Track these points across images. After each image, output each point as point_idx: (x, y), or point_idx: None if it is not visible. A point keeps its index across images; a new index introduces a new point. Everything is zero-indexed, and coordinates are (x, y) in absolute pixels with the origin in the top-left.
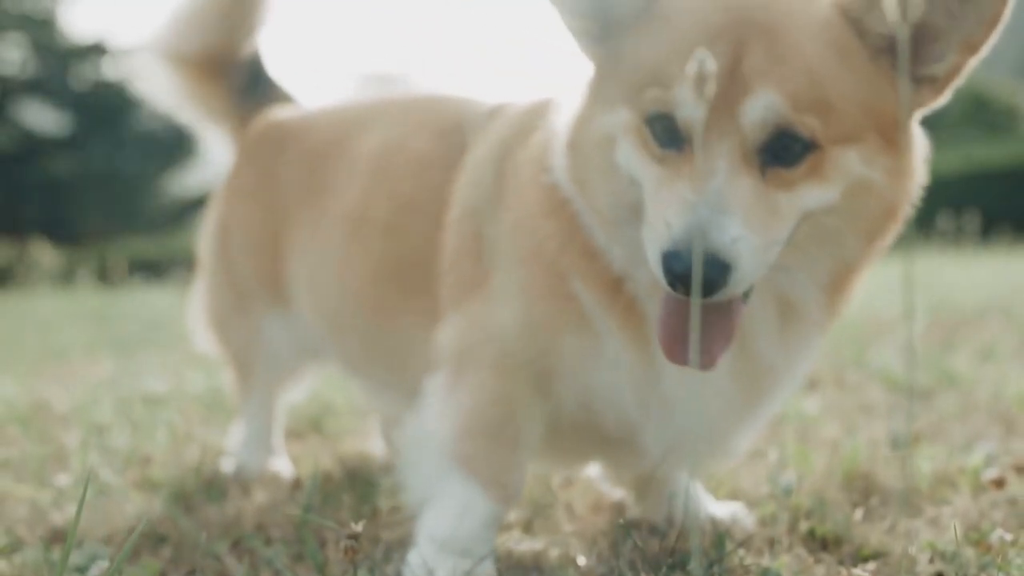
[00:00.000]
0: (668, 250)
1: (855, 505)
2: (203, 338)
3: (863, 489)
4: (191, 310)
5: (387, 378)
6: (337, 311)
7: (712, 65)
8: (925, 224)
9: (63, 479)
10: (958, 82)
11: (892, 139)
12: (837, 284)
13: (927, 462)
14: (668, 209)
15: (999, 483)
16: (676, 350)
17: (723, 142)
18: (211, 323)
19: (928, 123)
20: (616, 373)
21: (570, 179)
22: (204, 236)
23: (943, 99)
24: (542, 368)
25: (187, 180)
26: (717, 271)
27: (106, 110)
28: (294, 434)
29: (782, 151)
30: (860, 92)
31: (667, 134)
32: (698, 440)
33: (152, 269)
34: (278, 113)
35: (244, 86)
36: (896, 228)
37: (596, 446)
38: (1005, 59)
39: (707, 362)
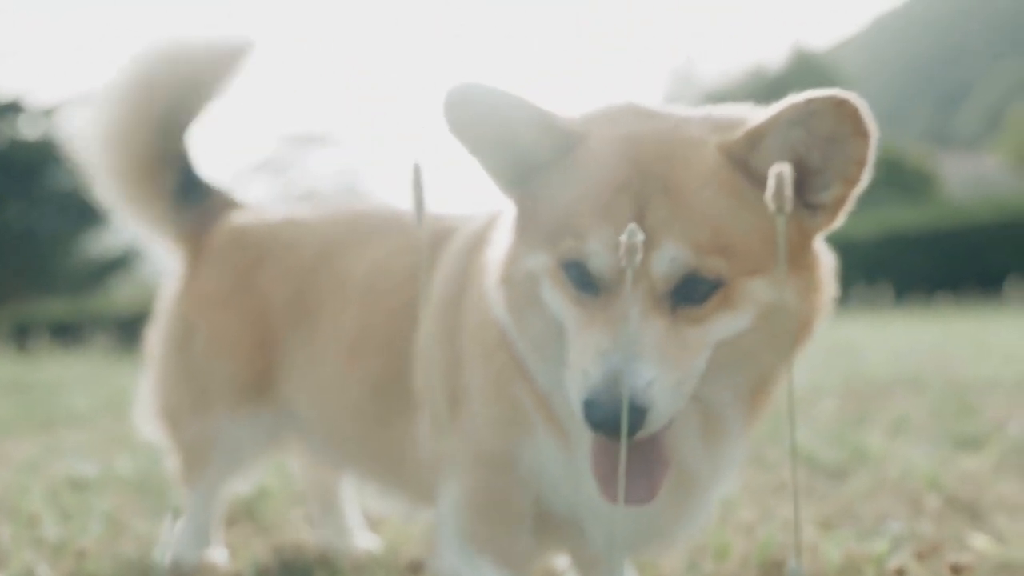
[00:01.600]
0: (587, 399)
1: None
2: (150, 428)
3: (777, 573)
4: (139, 399)
5: (392, 480)
6: (340, 423)
7: (640, 236)
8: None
9: None
10: (848, 207)
11: (797, 260)
12: (755, 394)
13: (836, 548)
14: (586, 357)
15: (900, 572)
16: (610, 489)
17: (634, 289)
18: (163, 416)
19: None
20: (556, 473)
21: (505, 311)
22: (158, 333)
23: (837, 222)
24: (508, 462)
25: (105, 241)
26: (634, 416)
27: (22, 169)
28: (227, 520)
29: (690, 292)
30: (758, 226)
31: (582, 279)
32: (634, 537)
33: (71, 333)
34: (242, 218)
35: (178, 189)
36: (810, 338)
37: (557, 533)
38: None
39: (646, 496)
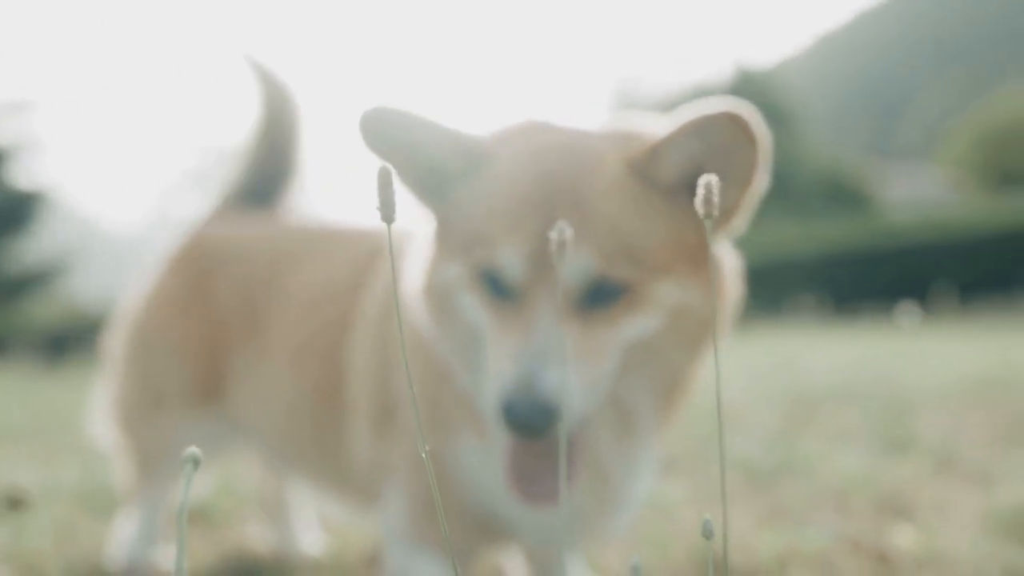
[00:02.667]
0: (501, 401)
1: None
2: (103, 432)
3: (713, 569)
4: (93, 405)
5: (332, 484)
6: (283, 429)
7: (569, 231)
8: (779, 305)
9: None
10: (748, 212)
11: (702, 263)
12: (668, 392)
13: (769, 543)
14: (501, 360)
15: (828, 564)
16: (522, 488)
17: (545, 295)
18: (117, 420)
19: (783, 205)
20: (482, 472)
21: (426, 319)
22: (116, 338)
23: (737, 225)
24: (440, 462)
25: (22, 254)
26: (545, 416)
27: None
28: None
29: (600, 296)
30: (662, 232)
31: (495, 287)
32: (558, 532)
33: None
34: (198, 229)
35: None
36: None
37: (494, 529)
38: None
39: (551, 496)
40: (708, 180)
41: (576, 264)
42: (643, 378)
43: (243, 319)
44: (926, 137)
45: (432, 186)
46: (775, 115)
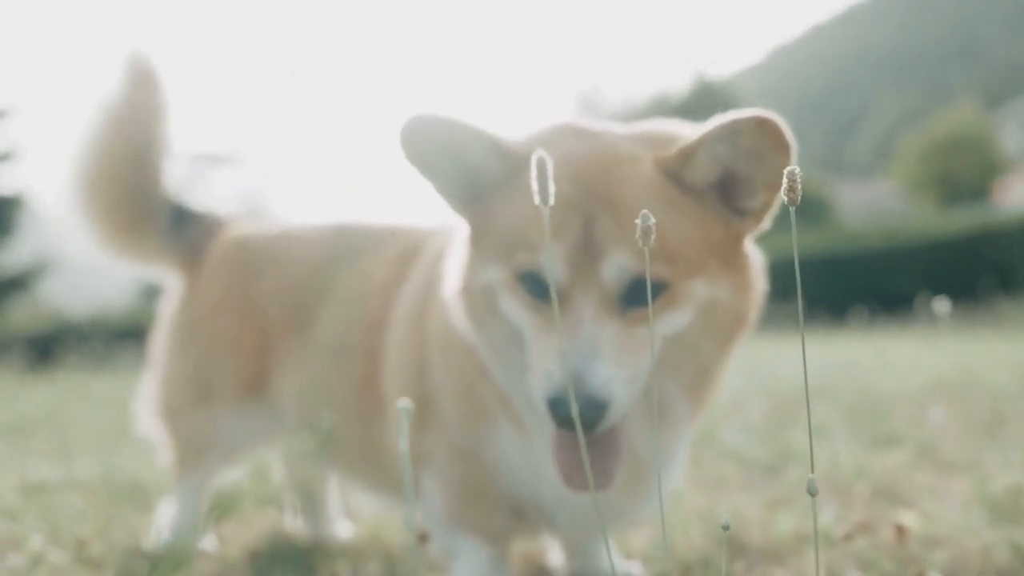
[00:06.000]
0: (551, 397)
1: (733, 559)
2: (148, 424)
3: (735, 548)
4: (139, 399)
5: (370, 475)
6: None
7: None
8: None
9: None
10: (774, 211)
11: (730, 261)
12: (698, 384)
13: (783, 527)
14: (547, 358)
15: (848, 538)
16: (573, 478)
17: (587, 295)
18: (162, 412)
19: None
20: (518, 463)
21: (465, 320)
22: (162, 338)
23: (765, 225)
24: (477, 453)
25: (2, 259)
26: (595, 410)
27: None
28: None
29: (638, 295)
30: (695, 232)
31: (537, 288)
32: (596, 519)
33: None
34: (242, 229)
35: (169, 226)
36: (746, 332)
37: (529, 517)
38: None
39: (604, 483)
40: (793, 171)
41: (615, 264)
42: (675, 371)
43: (288, 315)
44: (876, 152)
45: (470, 192)
46: None
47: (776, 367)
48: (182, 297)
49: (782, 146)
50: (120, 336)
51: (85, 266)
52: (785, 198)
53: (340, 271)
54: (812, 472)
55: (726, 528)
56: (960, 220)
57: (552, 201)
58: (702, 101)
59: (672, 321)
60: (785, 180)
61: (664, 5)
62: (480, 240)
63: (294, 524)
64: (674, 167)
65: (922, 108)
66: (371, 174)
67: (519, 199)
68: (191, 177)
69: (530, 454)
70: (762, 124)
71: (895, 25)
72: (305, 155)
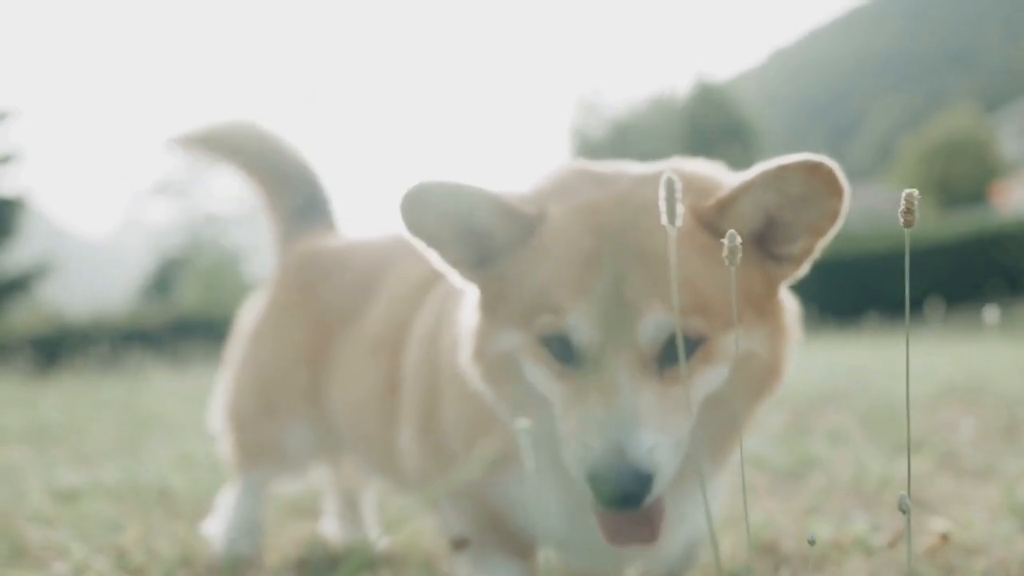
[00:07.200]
0: (592, 473)
1: (776, 568)
2: (219, 430)
3: (773, 555)
4: (214, 404)
5: (390, 471)
6: (356, 420)
7: (642, 288)
8: None
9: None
10: (814, 257)
11: (764, 309)
12: (725, 439)
13: (822, 532)
14: (583, 430)
15: (892, 545)
16: (621, 540)
17: (620, 356)
18: (231, 419)
19: None
20: (529, 507)
21: (483, 385)
22: (236, 344)
23: (803, 271)
24: (487, 495)
25: (2, 262)
26: (641, 484)
27: None
28: None
29: (675, 353)
30: (729, 283)
31: (565, 353)
32: (603, 564)
33: None
34: (317, 240)
35: (301, 208)
36: (780, 385)
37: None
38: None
39: (650, 539)
40: (910, 193)
41: (652, 322)
42: (703, 428)
43: (340, 319)
44: (875, 156)
45: (478, 257)
46: (733, 128)
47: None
48: (259, 306)
49: (835, 190)
50: (124, 338)
51: (82, 268)
52: (901, 219)
53: (386, 272)
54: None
55: (812, 543)
56: (961, 223)
57: (680, 223)
58: (702, 104)
59: (710, 378)
60: (903, 203)
61: (664, 8)
62: (494, 304)
63: (333, 531)
64: (710, 215)
65: (921, 112)
66: (361, 181)
67: (537, 260)
68: (189, 179)
69: (540, 499)
70: (814, 169)
71: (894, 30)
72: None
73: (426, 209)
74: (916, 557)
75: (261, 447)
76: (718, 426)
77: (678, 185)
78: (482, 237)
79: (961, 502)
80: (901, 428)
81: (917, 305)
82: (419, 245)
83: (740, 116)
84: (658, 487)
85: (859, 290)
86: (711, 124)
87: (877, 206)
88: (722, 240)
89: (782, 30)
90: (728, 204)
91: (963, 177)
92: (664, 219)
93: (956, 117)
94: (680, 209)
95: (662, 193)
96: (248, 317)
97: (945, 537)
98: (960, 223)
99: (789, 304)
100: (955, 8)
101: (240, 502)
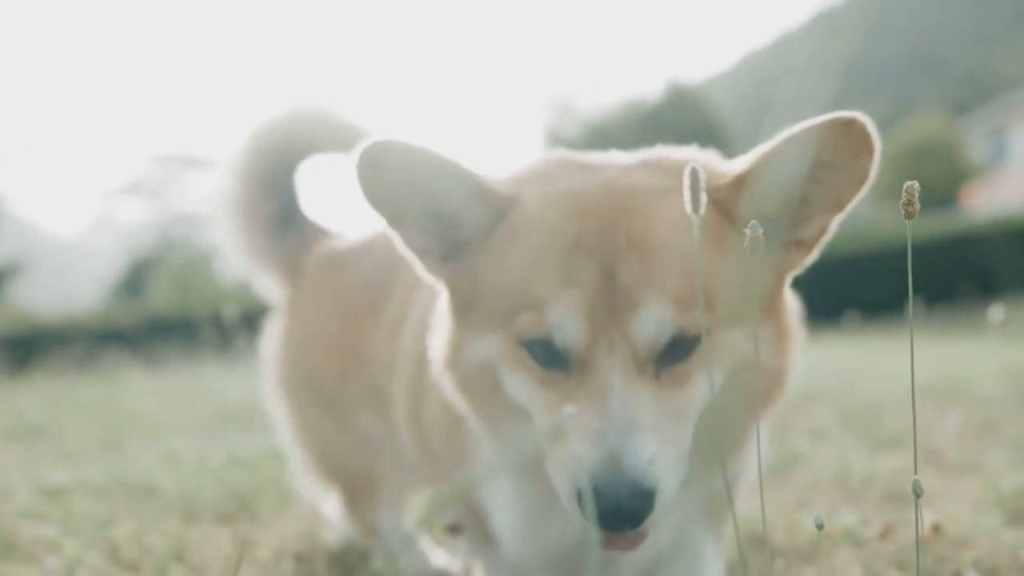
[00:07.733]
0: (584, 488)
1: (772, 560)
2: (312, 480)
3: (766, 548)
4: (292, 463)
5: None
6: (376, 390)
7: (637, 276)
8: None
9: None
10: (825, 239)
11: (769, 307)
12: (721, 452)
13: (809, 527)
14: (572, 440)
15: (884, 535)
16: (608, 544)
17: (613, 356)
18: (314, 455)
19: None
20: (515, 519)
21: (457, 397)
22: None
23: (812, 258)
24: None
25: None
26: (643, 501)
27: None
28: (224, 517)
29: (674, 352)
30: (736, 273)
31: (548, 356)
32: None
33: None
34: (331, 243)
35: (280, 220)
36: (783, 396)
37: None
38: None
39: (637, 544)
40: (910, 185)
41: (651, 318)
42: (697, 443)
43: (363, 308)
44: None
45: (446, 245)
46: (707, 130)
47: None
48: (286, 315)
49: (867, 147)
50: (98, 338)
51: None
52: (903, 211)
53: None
54: (915, 472)
55: (820, 527)
56: (932, 225)
57: (703, 211)
58: (675, 106)
59: (711, 381)
60: (904, 195)
61: (636, 12)
62: (464, 306)
63: (328, 530)
64: (724, 194)
65: (891, 117)
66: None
67: (511, 250)
68: (162, 179)
69: (521, 506)
70: (848, 126)
71: (863, 35)
72: None
73: (386, 170)
74: (908, 548)
75: (361, 461)
76: (710, 442)
77: (702, 174)
78: (450, 223)
79: (945, 496)
80: (881, 425)
81: (894, 306)
82: (380, 222)
83: (713, 118)
84: (661, 507)
85: (835, 291)
86: (684, 126)
87: (850, 209)
88: (736, 224)
89: (754, 33)
90: (747, 180)
91: (933, 180)
92: (688, 208)
93: (925, 122)
94: (704, 197)
95: (686, 182)
96: (278, 326)
97: (936, 529)
98: (931, 225)
99: (792, 303)
100: (924, 15)
101: (388, 531)
